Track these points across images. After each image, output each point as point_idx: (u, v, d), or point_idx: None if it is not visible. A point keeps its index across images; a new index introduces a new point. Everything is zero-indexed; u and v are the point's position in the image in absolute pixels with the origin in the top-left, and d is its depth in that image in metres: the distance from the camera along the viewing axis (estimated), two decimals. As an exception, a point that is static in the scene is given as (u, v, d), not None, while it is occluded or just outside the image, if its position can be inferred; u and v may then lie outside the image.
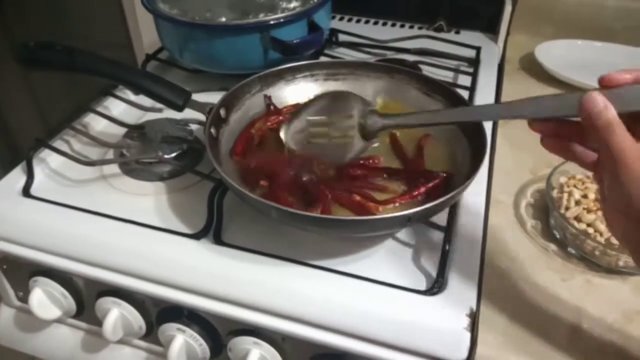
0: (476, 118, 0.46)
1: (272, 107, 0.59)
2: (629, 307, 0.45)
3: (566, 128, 0.38)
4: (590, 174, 0.53)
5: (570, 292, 0.46)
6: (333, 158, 0.49)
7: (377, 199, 0.48)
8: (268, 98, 0.60)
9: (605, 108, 0.33)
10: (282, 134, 0.50)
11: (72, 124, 0.62)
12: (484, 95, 0.69)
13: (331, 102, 0.49)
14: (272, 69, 0.60)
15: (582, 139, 0.37)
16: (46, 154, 0.59)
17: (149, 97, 0.54)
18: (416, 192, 0.49)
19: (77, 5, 0.94)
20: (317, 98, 0.51)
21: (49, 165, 0.59)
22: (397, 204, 0.48)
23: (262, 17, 0.65)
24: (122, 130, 0.62)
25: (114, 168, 0.58)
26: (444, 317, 0.42)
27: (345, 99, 0.48)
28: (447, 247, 0.46)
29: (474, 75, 0.72)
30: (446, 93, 0.57)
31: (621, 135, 0.32)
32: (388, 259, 0.48)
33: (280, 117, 0.58)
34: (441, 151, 0.54)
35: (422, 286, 0.45)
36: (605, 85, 0.35)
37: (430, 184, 0.49)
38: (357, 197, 0.48)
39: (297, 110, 0.51)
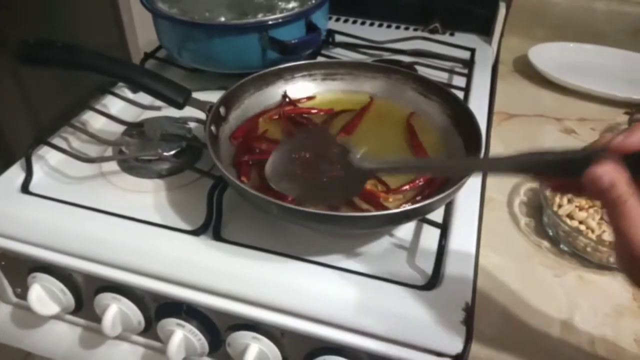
0: (468, 172, 0.43)
1: (287, 99, 0.61)
2: (619, 302, 0.46)
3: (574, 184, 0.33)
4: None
5: (562, 288, 0.47)
6: (332, 198, 0.47)
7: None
8: (284, 92, 0.62)
9: (611, 187, 0.29)
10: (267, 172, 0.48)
11: (70, 122, 0.62)
12: (479, 96, 0.71)
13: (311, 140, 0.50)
14: (271, 69, 0.61)
15: None
16: (45, 151, 0.59)
17: (149, 95, 0.54)
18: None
19: (71, 5, 0.94)
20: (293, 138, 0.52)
21: (48, 162, 0.59)
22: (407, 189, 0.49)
23: (260, 17, 0.66)
24: (121, 128, 0.63)
25: (113, 165, 0.59)
26: (440, 311, 0.43)
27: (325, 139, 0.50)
28: (443, 243, 0.47)
29: (469, 77, 0.74)
30: (442, 94, 0.58)
31: (630, 213, 0.29)
32: (385, 255, 0.49)
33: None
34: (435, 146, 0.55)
35: (419, 281, 0.46)
36: (616, 150, 0.30)
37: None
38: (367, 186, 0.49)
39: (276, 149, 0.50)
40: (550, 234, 0.52)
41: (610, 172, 0.29)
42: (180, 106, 0.54)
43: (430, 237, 0.50)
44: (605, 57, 0.80)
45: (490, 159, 0.39)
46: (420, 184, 0.51)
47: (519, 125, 0.69)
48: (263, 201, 0.43)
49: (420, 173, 0.49)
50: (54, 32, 0.90)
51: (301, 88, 0.63)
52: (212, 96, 0.57)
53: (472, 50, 0.80)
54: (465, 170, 0.44)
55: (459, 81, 0.73)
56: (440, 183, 0.50)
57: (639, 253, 0.28)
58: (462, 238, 0.49)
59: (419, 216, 0.48)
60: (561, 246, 0.51)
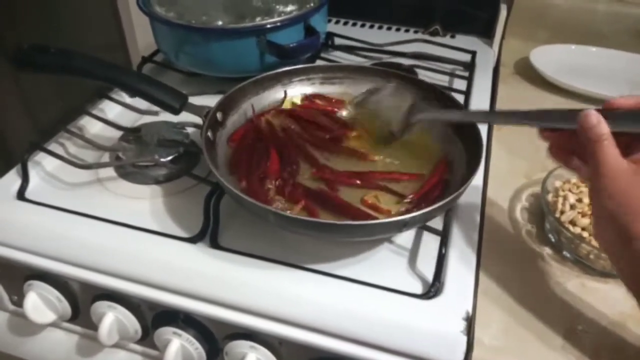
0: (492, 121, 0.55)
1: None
2: (622, 310, 0.45)
3: (569, 141, 0.41)
4: (584, 178, 0.54)
5: (565, 296, 0.46)
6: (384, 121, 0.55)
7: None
8: (285, 93, 0.62)
9: (598, 124, 0.37)
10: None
11: (67, 127, 0.62)
12: (480, 100, 0.70)
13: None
14: (269, 73, 0.60)
15: (581, 152, 0.41)
16: (41, 157, 0.59)
17: (146, 100, 0.54)
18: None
19: (70, 7, 0.94)
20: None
21: (44, 168, 0.58)
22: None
23: (258, 20, 0.65)
24: (118, 133, 0.62)
25: (110, 171, 0.58)
26: (440, 321, 0.42)
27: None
28: (443, 251, 0.47)
29: (470, 80, 0.73)
30: (442, 98, 0.57)
31: (607, 149, 0.36)
32: (385, 263, 0.48)
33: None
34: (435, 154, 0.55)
35: (419, 290, 0.45)
36: (607, 107, 0.39)
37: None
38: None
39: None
40: (553, 240, 0.51)
41: (598, 115, 0.37)
42: (176, 112, 0.53)
43: (430, 243, 0.49)
44: (608, 59, 0.79)
45: (514, 111, 0.47)
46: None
47: (521, 130, 0.68)
48: (260, 209, 0.43)
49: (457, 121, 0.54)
50: (54, 35, 0.89)
51: (299, 92, 0.62)
52: (210, 100, 0.56)
53: (473, 53, 0.80)
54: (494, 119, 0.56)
55: (460, 84, 0.72)
56: (431, 198, 0.49)
57: (608, 184, 0.36)
58: (462, 245, 0.49)
59: (419, 224, 0.47)
60: (564, 253, 0.50)
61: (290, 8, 0.69)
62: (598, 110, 0.38)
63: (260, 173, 0.51)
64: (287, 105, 0.61)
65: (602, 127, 0.37)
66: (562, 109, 0.41)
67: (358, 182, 0.51)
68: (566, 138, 0.41)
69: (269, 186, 0.50)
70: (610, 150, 0.36)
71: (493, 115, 0.58)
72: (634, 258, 0.35)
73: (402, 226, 0.44)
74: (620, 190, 0.35)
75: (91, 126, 0.65)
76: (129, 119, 0.66)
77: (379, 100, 0.58)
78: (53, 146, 0.60)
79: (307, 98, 0.62)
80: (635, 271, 0.36)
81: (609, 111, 0.38)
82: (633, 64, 0.78)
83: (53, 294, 0.51)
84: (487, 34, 0.87)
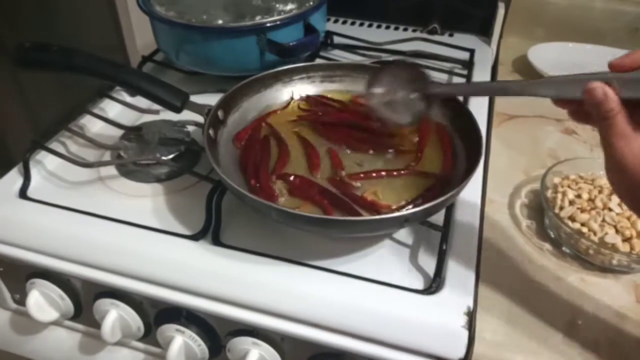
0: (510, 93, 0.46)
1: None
2: (622, 304, 0.46)
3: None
4: (583, 174, 0.54)
5: (565, 291, 0.47)
6: (397, 116, 0.50)
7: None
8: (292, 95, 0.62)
9: (604, 99, 0.33)
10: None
11: (68, 126, 0.62)
12: (478, 99, 0.70)
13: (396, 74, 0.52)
14: (269, 71, 0.60)
15: None
16: (42, 155, 0.59)
17: (147, 98, 0.54)
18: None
19: (69, 7, 0.94)
20: (380, 72, 0.53)
21: (46, 167, 0.59)
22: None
23: (258, 19, 0.66)
24: (119, 132, 0.62)
25: (111, 170, 0.58)
26: (442, 316, 0.42)
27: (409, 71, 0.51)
28: (444, 247, 0.47)
29: (468, 78, 0.73)
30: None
31: (616, 129, 0.33)
32: (386, 259, 0.48)
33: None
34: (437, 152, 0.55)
35: (420, 285, 0.46)
36: (614, 69, 0.35)
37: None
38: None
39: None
40: (552, 236, 0.51)
41: (603, 87, 0.33)
42: (177, 110, 0.53)
43: (431, 239, 0.50)
44: (605, 56, 0.77)
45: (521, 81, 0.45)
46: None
47: (520, 126, 0.68)
48: (262, 205, 0.43)
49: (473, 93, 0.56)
50: (53, 35, 0.89)
51: (300, 90, 0.62)
52: (211, 99, 0.56)
53: (472, 51, 0.80)
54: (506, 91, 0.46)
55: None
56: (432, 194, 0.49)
57: (624, 163, 0.33)
58: (463, 241, 0.49)
59: (419, 220, 0.47)
60: (563, 248, 0.50)
61: (289, 7, 0.69)
62: (604, 78, 0.34)
63: (270, 170, 0.52)
64: (292, 110, 0.61)
65: (610, 101, 0.33)
66: (566, 76, 0.37)
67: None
68: (581, 103, 0.37)
69: (275, 183, 0.50)
70: (619, 131, 0.33)
71: (501, 86, 0.50)
72: None
73: (403, 222, 0.44)
74: (636, 179, 0.32)
75: (92, 125, 0.65)
76: (130, 118, 0.66)
77: (386, 87, 0.53)
78: (54, 145, 0.61)
79: (311, 99, 0.62)
80: None
81: (617, 75, 0.34)
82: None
83: (55, 292, 0.51)
84: (485, 32, 0.87)
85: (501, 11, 0.84)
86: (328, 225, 0.43)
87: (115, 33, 1.07)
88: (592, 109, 0.34)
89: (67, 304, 0.52)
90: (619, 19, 0.81)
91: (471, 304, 0.43)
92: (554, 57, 0.78)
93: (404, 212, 0.41)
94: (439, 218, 0.49)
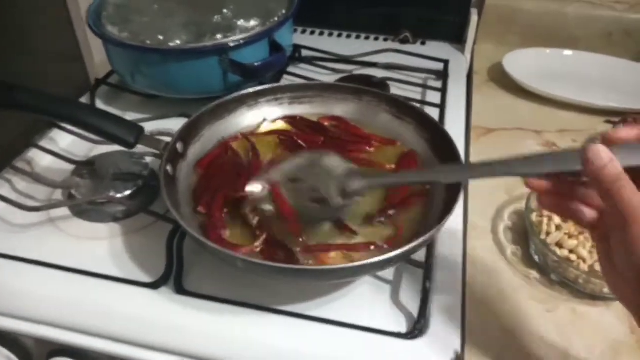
0: (465, 177, 0.44)
1: None
2: (615, 337, 0.43)
3: (564, 186, 0.35)
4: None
5: (555, 324, 0.44)
6: (310, 216, 0.46)
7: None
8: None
9: (611, 161, 0.31)
10: (250, 188, 0.47)
11: (12, 163, 0.56)
12: (455, 112, 0.67)
13: (309, 161, 0.47)
14: (233, 95, 0.56)
15: (581, 196, 0.35)
16: (-16, 198, 0.54)
17: (97, 136, 0.49)
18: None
19: (22, 15, 0.87)
20: (294, 157, 0.50)
21: (-12, 210, 0.53)
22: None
23: (219, 38, 0.61)
24: (70, 167, 0.57)
25: (63, 210, 0.53)
26: (428, 364, 0.39)
27: (324, 159, 0.47)
28: (427, 285, 0.44)
29: (443, 92, 0.70)
30: (416, 115, 0.54)
31: (631, 191, 0.30)
32: (366, 299, 0.45)
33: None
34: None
35: (403, 328, 0.42)
36: (607, 141, 0.33)
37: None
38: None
39: (270, 166, 0.49)
40: (539, 262, 0.49)
41: (607, 150, 0.31)
42: (130, 146, 0.48)
43: (413, 275, 0.46)
44: (581, 63, 0.77)
45: (483, 164, 0.37)
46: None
47: (498, 140, 0.66)
48: (226, 256, 0.39)
49: (411, 182, 0.49)
50: (4, 43, 0.83)
51: (267, 113, 0.58)
52: (172, 123, 0.53)
53: (446, 62, 0.77)
54: (460, 176, 0.43)
55: (434, 97, 0.69)
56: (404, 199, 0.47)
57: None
58: (447, 276, 0.46)
59: (396, 265, 0.44)
60: (551, 276, 0.48)
61: (252, 23, 0.64)
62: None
63: (225, 195, 0.48)
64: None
65: (617, 165, 0.31)
66: (554, 152, 0.36)
67: None
68: (558, 183, 0.35)
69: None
70: (634, 192, 0.30)
71: (463, 171, 0.45)
72: None
73: (377, 268, 0.41)
74: None
75: (40, 159, 0.59)
76: (82, 149, 0.61)
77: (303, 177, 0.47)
78: (-2, 185, 0.55)
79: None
80: None
81: (612, 145, 0.32)
82: (607, 67, 0.76)
83: (3, 353, 0.47)
84: (458, 39, 0.84)
85: (474, 18, 0.81)
86: (294, 274, 0.40)
87: (72, 42, 1.00)
88: (598, 175, 0.31)
89: (18, 366, 0.47)
90: (592, 24, 0.79)
91: (459, 348, 0.40)
92: (529, 65, 0.76)
93: (376, 259, 0.37)
94: (420, 254, 0.46)
